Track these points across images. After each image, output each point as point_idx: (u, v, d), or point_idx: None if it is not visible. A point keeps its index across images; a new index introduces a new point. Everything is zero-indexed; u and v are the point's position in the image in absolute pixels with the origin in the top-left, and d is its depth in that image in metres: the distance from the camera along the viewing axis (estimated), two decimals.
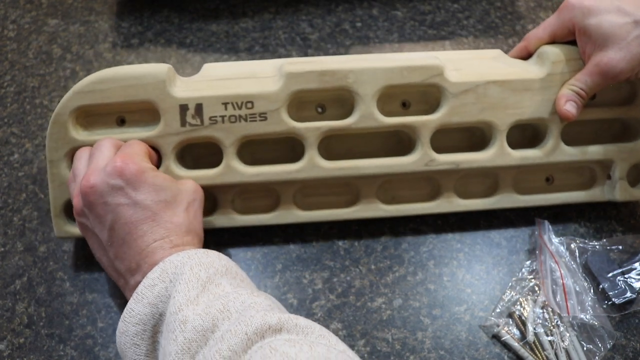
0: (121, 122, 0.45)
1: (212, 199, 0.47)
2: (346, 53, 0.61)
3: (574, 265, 0.47)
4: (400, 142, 0.48)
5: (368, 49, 0.62)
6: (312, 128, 0.45)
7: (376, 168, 0.46)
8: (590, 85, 0.45)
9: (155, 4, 0.66)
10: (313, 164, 0.45)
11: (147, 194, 0.39)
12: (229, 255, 0.48)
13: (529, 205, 0.49)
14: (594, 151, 0.48)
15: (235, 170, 0.45)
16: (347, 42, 0.63)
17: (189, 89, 0.44)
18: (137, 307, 0.35)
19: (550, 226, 0.49)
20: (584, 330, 0.44)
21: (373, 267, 0.48)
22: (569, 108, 0.45)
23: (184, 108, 0.43)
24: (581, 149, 0.48)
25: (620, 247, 0.48)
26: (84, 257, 0.48)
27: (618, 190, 0.49)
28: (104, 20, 0.65)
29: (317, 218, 0.47)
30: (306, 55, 0.61)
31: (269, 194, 0.47)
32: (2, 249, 0.48)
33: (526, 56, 0.49)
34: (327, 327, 0.45)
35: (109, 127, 0.45)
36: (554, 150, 0.47)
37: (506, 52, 0.51)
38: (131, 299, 0.36)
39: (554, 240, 0.48)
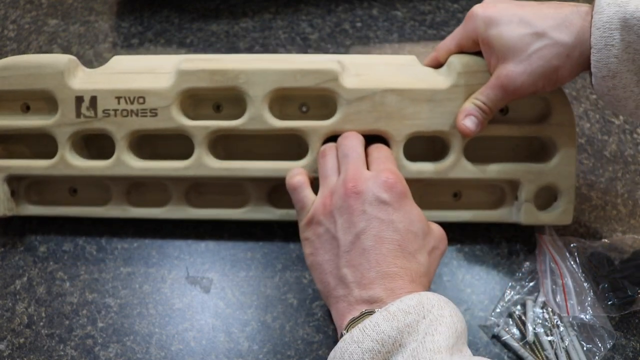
0: (26, 109, 0.47)
1: (106, 189, 0.48)
2: (346, 53, 0.61)
3: (573, 265, 0.47)
4: (300, 146, 0.46)
5: (368, 49, 0.62)
6: (200, 127, 0.45)
7: (263, 171, 0.45)
8: (493, 100, 0.42)
9: (155, 4, 0.66)
10: (200, 163, 0.45)
11: (402, 218, 0.37)
12: (229, 255, 0.48)
13: (435, 220, 0.45)
14: (498, 170, 0.45)
15: (124, 164, 0.45)
16: (347, 42, 0.63)
17: (87, 81, 0.45)
18: (385, 325, 0.32)
19: (550, 226, 0.49)
20: (584, 330, 0.44)
21: None
22: (468, 124, 0.43)
23: (79, 100, 0.45)
24: (483, 167, 0.45)
25: (620, 247, 0.48)
26: (84, 258, 0.48)
27: (523, 213, 0.46)
28: (104, 20, 0.65)
29: (207, 216, 0.48)
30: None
31: (161, 189, 0.48)
32: (2, 249, 0.48)
33: (438, 67, 0.47)
34: (327, 327, 0.45)
35: (14, 113, 0.47)
36: (453, 166, 0.45)
37: None
38: (379, 314, 0.33)
39: (554, 240, 0.48)
